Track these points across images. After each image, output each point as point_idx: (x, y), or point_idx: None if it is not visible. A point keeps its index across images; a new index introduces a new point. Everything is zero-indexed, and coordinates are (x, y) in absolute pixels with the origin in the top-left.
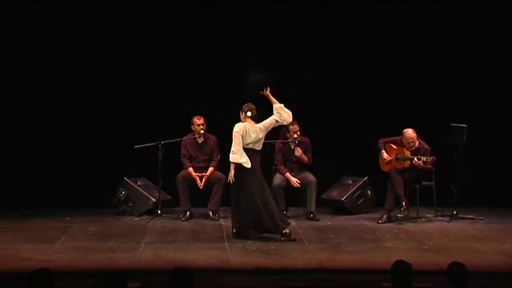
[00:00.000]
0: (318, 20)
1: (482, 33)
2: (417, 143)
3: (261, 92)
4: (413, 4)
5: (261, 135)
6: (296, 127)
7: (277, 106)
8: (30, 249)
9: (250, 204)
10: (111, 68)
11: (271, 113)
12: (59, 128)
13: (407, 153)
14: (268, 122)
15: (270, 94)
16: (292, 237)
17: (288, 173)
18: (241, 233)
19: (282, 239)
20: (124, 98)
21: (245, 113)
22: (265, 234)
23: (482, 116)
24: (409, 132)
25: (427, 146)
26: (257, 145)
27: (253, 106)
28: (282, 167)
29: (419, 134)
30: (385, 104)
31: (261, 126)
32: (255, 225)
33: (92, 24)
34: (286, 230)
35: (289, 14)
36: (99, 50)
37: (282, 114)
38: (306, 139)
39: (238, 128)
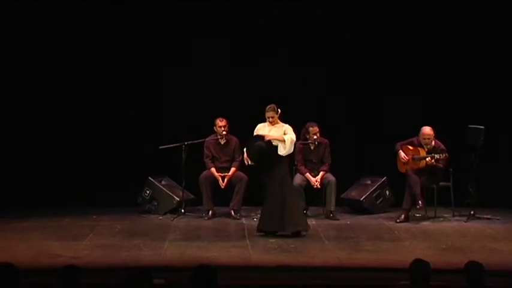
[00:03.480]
0: (336, 21)
1: (499, 33)
2: (433, 142)
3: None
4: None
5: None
6: (316, 129)
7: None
8: (59, 246)
9: (270, 202)
10: (137, 70)
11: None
12: (87, 129)
13: (423, 153)
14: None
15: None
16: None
17: (308, 174)
18: (260, 228)
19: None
20: (150, 101)
21: None
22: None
23: (499, 117)
24: (427, 129)
25: (442, 146)
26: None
27: (270, 107)
28: (302, 168)
29: (437, 135)
30: (404, 104)
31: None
32: (270, 222)
33: (118, 24)
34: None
35: (307, 15)
36: (122, 50)
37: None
38: (325, 140)
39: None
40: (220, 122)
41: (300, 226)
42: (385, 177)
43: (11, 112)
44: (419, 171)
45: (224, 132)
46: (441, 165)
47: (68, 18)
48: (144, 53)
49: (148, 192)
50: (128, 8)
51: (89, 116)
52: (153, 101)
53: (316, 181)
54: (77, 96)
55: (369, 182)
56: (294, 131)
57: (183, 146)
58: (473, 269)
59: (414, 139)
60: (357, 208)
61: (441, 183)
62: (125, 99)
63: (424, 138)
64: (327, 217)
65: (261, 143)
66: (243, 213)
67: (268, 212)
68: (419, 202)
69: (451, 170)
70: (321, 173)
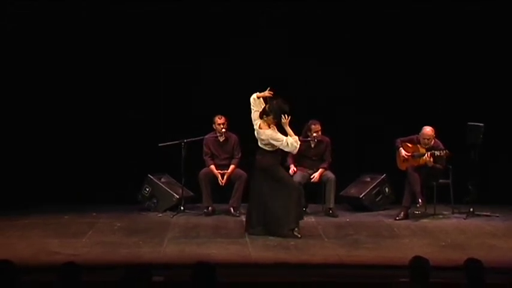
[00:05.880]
0: (336, 21)
1: (499, 33)
2: (433, 142)
3: (282, 120)
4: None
5: (263, 138)
6: (317, 127)
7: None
8: (58, 243)
9: (258, 202)
10: (137, 70)
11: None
12: (87, 128)
13: (422, 151)
14: (276, 138)
15: (287, 124)
16: (295, 233)
17: (292, 165)
18: (250, 230)
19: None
20: (149, 98)
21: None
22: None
23: (499, 115)
24: (427, 129)
25: (441, 146)
26: (267, 146)
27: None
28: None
29: (437, 133)
30: (403, 103)
31: (268, 134)
32: (259, 223)
33: (116, 25)
34: (296, 228)
35: (307, 15)
36: (121, 50)
37: (289, 146)
38: (327, 138)
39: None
40: (219, 120)
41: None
42: (384, 175)
43: (11, 111)
44: (419, 169)
45: (223, 130)
46: (440, 166)
47: (68, 18)
48: (144, 53)
49: (147, 189)
50: (128, 8)
51: (89, 116)
52: (153, 101)
53: (308, 174)
54: (77, 96)
55: (369, 179)
56: (294, 131)
57: (183, 144)
58: (473, 267)
59: (414, 137)
60: (357, 205)
61: (441, 181)
62: (125, 99)
63: (424, 138)
64: (327, 214)
65: (272, 102)
66: (242, 211)
67: (254, 215)
68: (419, 200)
69: (451, 167)
70: (320, 170)
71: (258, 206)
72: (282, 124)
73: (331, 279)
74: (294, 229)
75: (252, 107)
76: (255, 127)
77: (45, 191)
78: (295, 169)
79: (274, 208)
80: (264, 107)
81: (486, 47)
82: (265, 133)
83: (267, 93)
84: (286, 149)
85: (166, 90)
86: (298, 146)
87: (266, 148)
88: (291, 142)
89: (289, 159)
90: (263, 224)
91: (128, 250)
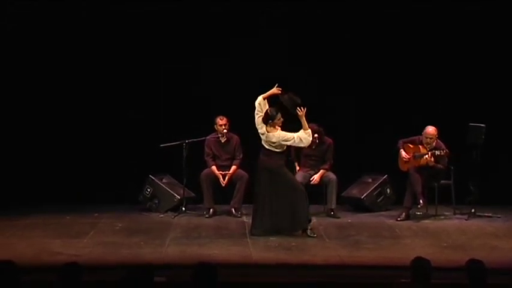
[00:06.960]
0: (336, 21)
1: (499, 33)
2: (435, 142)
3: (298, 113)
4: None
5: (274, 140)
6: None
7: (305, 132)
8: (60, 244)
9: (263, 203)
10: (137, 70)
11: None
12: (88, 128)
13: (424, 150)
14: (287, 138)
15: (303, 116)
16: (310, 234)
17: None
18: (253, 231)
19: (302, 233)
20: (149, 98)
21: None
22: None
23: (500, 115)
24: (430, 129)
25: (443, 146)
26: (277, 148)
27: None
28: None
29: (439, 135)
30: (404, 103)
31: (278, 136)
32: (262, 224)
33: (118, 25)
34: (308, 227)
35: (307, 15)
36: (121, 50)
37: (302, 141)
38: (330, 140)
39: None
40: (221, 121)
41: (298, 226)
42: (386, 175)
43: (12, 111)
44: (420, 170)
45: (225, 131)
46: (441, 166)
47: (68, 18)
48: (144, 53)
49: (149, 190)
50: (128, 8)
51: (89, 116)
52: (153, 101)
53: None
54: (78, 96)
55: (370, 180)
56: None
57: (184, 144)
58: (474, 267)
59: (416, 138)
60: (358, 206)
61: (442, 182)
62: (125, 99)
63: (427, 138)
64: (328, 215)
65: (284, 97)
66: (243, 211)
67: (260, 216)
68: (421, 201)
69: (452, 168)
70: (321, 171)
71: (262, 208)
72: (299, 117)
73: (332, 280)
74: (307, 229)
75: (256, 112)
76: (260, 131)
77: (46, 191)
78: (298, 167)
79: (283, 208)
80: (266, 111)
81: (486, 47)
82: (275, 136)
83: (275, 90)
84: (300, 145)
85: (166, 90)
86: (311, 138)
87: (276, 150)
88: (304, 137)
89: (292, 155)
90: (269, 224)
91: (129, 250)
